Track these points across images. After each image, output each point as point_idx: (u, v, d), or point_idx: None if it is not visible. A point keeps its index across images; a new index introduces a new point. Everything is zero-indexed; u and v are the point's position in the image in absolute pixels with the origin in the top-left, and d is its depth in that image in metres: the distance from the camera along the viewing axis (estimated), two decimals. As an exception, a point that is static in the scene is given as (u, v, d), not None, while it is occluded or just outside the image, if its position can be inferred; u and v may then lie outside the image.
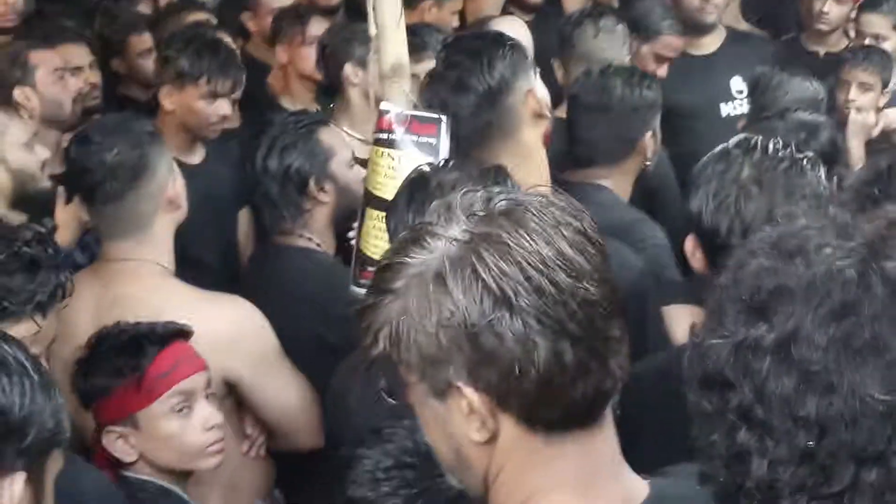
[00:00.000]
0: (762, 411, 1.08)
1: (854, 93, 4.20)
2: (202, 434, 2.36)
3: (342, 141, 3.23)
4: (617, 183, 3.14)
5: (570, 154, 3.19)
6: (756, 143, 2.18)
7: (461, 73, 2.71)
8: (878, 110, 4.25)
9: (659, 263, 2.80)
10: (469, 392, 1.28)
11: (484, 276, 1.26)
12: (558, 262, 1.27)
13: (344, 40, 4.06)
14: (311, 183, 3.00)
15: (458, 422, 1.31)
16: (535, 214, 1.31)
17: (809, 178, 2.13)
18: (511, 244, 1.27)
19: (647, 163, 3.19)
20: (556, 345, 1.26)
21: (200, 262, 3.32)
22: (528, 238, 1.28)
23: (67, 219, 3.53)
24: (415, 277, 1.29)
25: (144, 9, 5.36)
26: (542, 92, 2.81)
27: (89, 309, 2.60)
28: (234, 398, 2.72)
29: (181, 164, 3.00)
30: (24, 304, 2.11)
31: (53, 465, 1.54)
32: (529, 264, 1.26)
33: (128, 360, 2.30)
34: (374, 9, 2.73)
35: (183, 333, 2.37)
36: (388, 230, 2.23)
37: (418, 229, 1.34)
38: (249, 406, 2.73)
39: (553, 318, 1.26)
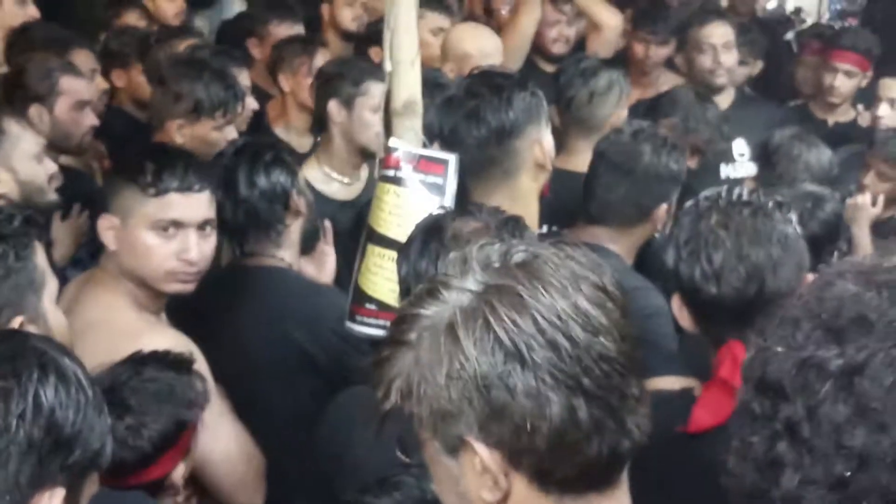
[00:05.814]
0: (809, 430, 1.07)
1: (869, 178, 4.11)
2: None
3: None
4: (624, 248, 3.05)
5: (583, 210, 3.13)
6: (721, 193, 2.17)
7: (479, 104, 2.73)
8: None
9: (656, 332, 2.73)
10: (480, 448, 1.25)
11: (496, 328, 1.23)
12: (574, 315, 1.24)
13: (335, 75, 3.89)
14: (294, 196, 2.97)
15: (471, 480, 1.28)
16: (552, 267, 1.28)
17: (776, 220, 2.12)
18: (525, 296, 1.25)
19: (657, 233, 3.10)
20: (569, 401, 1.23)
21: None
22: (544, 291, 1.25)
23: (64, 235, 3.50)
24: (427, 329, 1.27)
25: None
26: (549, 144, 2.80)
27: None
28: None
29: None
30: None
31: (90, 488, 1.53)
32: (543, 317, 1.23)
33: None
34: (390, 45, 2.71)
35: None
36: (399, 276, 2.18)
37: (434, 281, 1.32)
38: None
39: (567, 373, 1.23)
